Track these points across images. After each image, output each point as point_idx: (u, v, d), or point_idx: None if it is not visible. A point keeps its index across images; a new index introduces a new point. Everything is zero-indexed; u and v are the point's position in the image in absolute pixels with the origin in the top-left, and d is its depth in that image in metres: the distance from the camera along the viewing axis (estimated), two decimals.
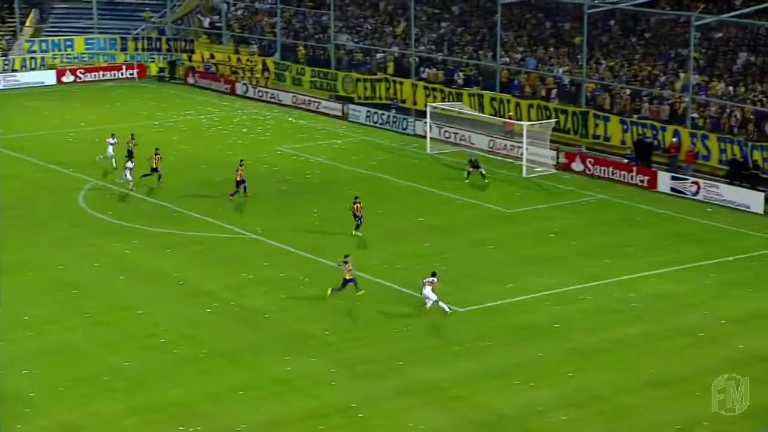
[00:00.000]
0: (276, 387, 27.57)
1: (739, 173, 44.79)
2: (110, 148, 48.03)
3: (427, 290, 31.84)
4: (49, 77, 69.57)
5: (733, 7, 53.39)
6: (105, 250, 37.98)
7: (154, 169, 45.40)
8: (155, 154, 45.49)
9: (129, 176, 44.47)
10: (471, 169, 46.55)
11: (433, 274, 32.22)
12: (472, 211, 42.63)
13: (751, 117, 47.05)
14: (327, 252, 37.32)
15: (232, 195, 43.42)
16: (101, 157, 48.20)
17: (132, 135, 48.41)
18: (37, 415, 26.16)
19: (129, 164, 44.88)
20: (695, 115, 48.34)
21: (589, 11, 52.48)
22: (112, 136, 48.82)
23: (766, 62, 50.16)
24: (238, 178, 43.27)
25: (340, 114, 60.13)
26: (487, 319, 31.87)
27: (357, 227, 38.51)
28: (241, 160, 44.57)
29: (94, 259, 36.95)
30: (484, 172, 46.37)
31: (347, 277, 32.90)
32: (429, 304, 31.83)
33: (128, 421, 25.90)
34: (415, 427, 25.52)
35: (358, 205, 38.42)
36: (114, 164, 47.78)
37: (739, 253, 37.38)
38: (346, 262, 33.02)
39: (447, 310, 31.71)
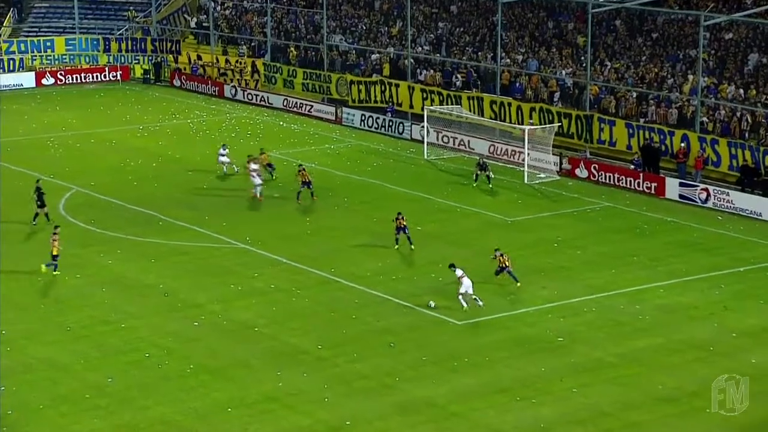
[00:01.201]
0: (266, 404, 27.51)
1: (751, 179, 44.85)
2: (223, 159, 48.38)
3: (468, 283, 32.55)
4: (28, 80, 69.55)
5: (743, 7, 53.51)
6: (87, 260, 37.92)
7: (270, 166, 46.14)
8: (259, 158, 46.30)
9: (258, 180, 44.70)
10: (479, 172, 46.94)
11: (452, 266, 33.22)
12: (472, 219, 42.64)
13: (763, 121, 47.12)
14: (320, 262, 37.28)
15: (298, 197, 44.06)
16: (236, 169, 48.13)
17: (262, 150, 48.34)
18: None
19: (253, 165, 45.07)
20: (705, 119, 48.39)
21: (594, 10, 52.57)
22: (223, 146, 49.05)
23: None
24: (304, 180, 43.80)
25: (333, 118, 60.15)
26: (486, 332, 31.84)
27: (408, 240, 38.30)
28: (301, 164, 44.99)
29: (75, 271, 36.89)
30: (491, 176, 46.64)
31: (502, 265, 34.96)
32: (477, 300, 32.62)
33: None
34: None
35: (401, 220, 38.30)
36: (236, 169, 47.96)
37: (751, 263, 37.40)
38: (501, 255, 34.68)
39: (464, 305, 32.73)
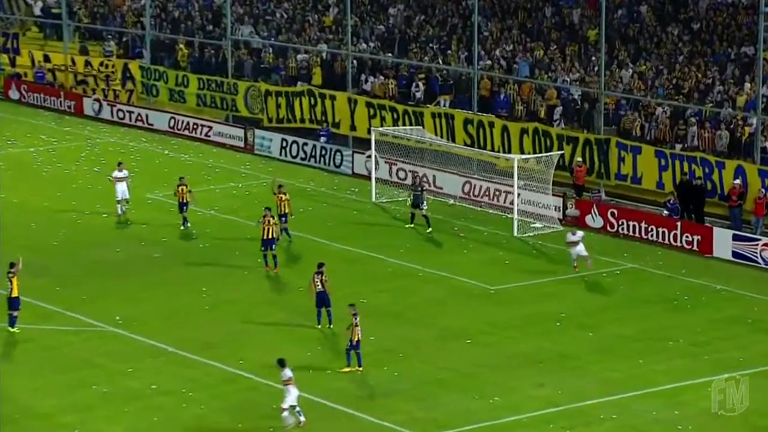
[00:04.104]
0: None
1: None
2: (119, 187, 50.00)
3: (295, 393, 32.34)
4: None
5: None
6: None
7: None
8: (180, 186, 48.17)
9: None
10: (414, 210, 48.22)
11: (281, 363, 33.01)
12: (439, 287, 42.72)
13: None
14: (222, 350, 37.17)
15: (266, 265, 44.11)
16: (121, 210, 50.11)
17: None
18: None
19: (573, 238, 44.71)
20: (767, 144, 48.90)
21: None
22: (119, 165, 50.65)
23: None
24: (269, 236, 43.75)
25: (242, 144, 60.26)
26: None
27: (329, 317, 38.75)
28: (267, 208, 44.66)
29: None
30: (426, 215, 47.94)
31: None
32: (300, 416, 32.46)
33: None
34: None
35: (320, 275, 38.66)
36: (121, 211, 49.91)
37: None
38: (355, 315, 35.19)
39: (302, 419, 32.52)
